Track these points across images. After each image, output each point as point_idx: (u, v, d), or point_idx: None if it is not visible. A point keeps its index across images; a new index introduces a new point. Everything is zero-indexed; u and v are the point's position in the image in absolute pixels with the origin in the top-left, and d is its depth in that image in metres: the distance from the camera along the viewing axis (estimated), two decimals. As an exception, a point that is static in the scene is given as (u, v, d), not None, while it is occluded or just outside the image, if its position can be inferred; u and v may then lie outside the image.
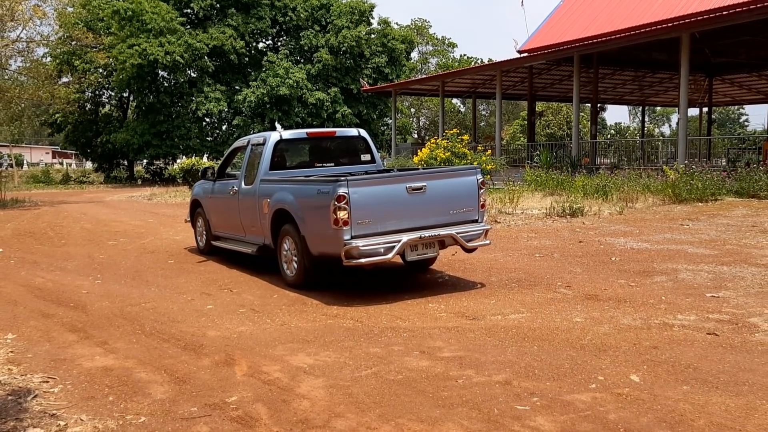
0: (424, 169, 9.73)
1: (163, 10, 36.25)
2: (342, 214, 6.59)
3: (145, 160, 44.30)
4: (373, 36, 41.68)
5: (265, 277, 8.48)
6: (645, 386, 4.27)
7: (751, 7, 17.87)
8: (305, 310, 6.74)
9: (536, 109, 38.05)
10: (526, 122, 37.07)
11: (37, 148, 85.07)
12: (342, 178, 6.73)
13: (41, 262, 10.48)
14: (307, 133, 9.22)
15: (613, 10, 24.91)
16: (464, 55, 62.88)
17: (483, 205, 7.57)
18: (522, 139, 43.91)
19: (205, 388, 4.51)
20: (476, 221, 7.50)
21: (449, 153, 18.07)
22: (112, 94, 43.35)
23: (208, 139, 40.84)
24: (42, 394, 4.46)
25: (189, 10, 39.57)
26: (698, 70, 29.10)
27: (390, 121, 40.99)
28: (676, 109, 23.85)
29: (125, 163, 45.92)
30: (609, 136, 60.74)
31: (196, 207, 10.95)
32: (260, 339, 5.69)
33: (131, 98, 42.52)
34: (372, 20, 42.39)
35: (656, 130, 72.53)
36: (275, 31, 42.07)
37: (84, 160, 57.01)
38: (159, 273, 9.18)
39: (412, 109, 63.09)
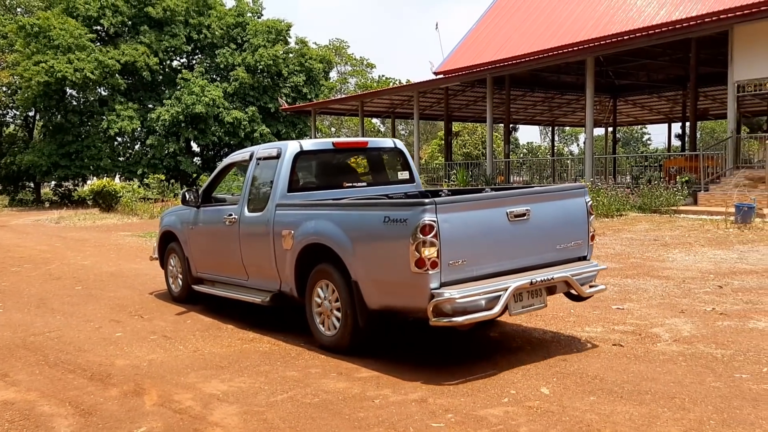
0: (520, 188, 7.59)
1: (71, 26, 34.95)
2: (429, 252, 4.73)
3: (53, 182, 42.33)
4: (290, 55, 41.54)
5: (179, 303, 8.24)
6: (554, 398, 4.41)
7: (649, 32, 19.12)
8: (220, 335, 6.58)
9: (453, 129, 38.90)
10: (443, 142, 37.81)
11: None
12: (427, 201, 4.88)
13: (-66, 291, 9.81)
14: (333, 143, 7.28)
15: (523, 34, 25.87)
16: (383, 75, 63.57)
17: (593, 237, 5.85)
18: (440, 158, 44.73)
19: (113, 420, 4.33)
20: (585, 258, 5.78)
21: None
22: (17, 113, 41.35)
23: (120, 159, 39.48)
24: (-69, 435, 4.16)
25: (99, 27, 38.30)
26: (603, 91, 30.59)
27: (309, 141, 40.83)
28: (584, 129, 24.90)
29: (32, 185, 43.74)
30: (522, 155, 62.66)
31: (168, 241, 8.67)
32: (172, 367, 5.51)
33: (38, 117, 40.68)
34: (289, 39, 42.32)
35: (566, 149, 75.35)
36: (190, 48, 41.26)
37: (-15, 182, 53.89)
38: (65, 300, 8.75)
39: (333, 129, 63.20)
